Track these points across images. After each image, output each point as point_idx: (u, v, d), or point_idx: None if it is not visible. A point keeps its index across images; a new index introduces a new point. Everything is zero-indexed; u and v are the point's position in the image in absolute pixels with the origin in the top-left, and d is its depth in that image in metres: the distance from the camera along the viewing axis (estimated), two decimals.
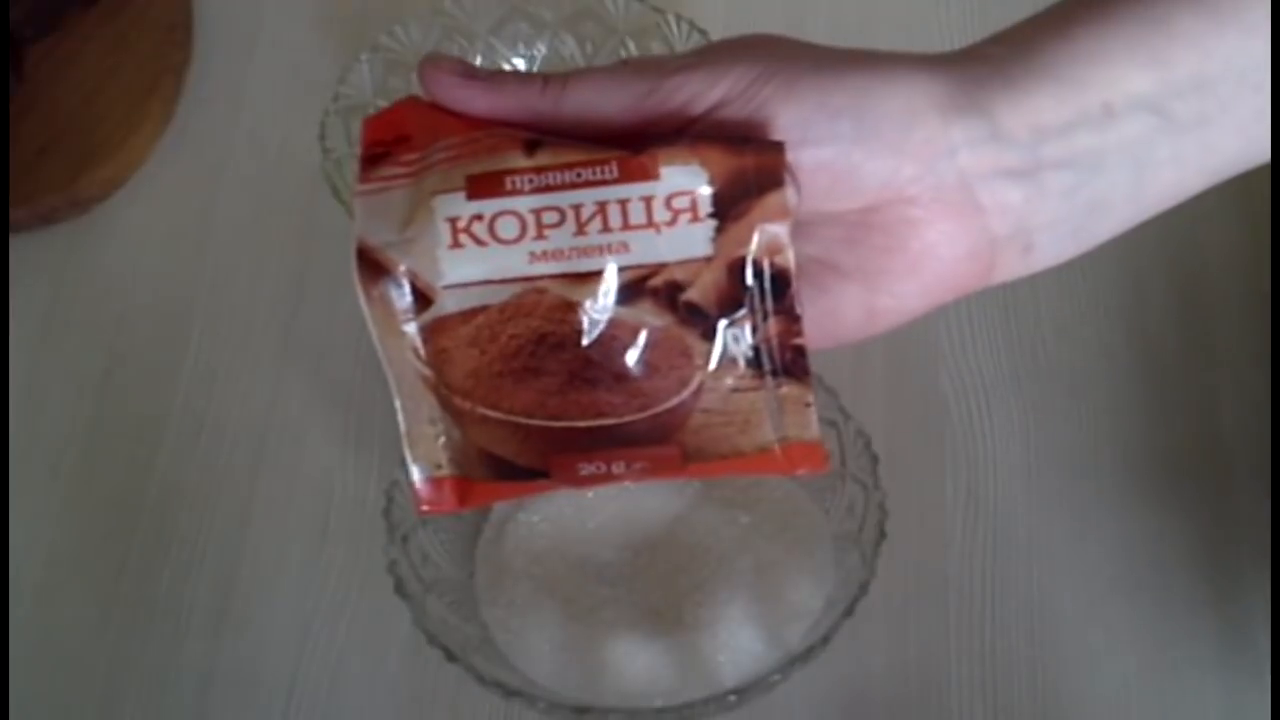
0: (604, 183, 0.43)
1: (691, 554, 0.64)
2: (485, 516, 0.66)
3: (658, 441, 0.46)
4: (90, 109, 0.80)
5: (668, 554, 0.65)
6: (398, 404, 0.46)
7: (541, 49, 0.79)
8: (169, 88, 0.82)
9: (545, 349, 0.45)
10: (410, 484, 0.47)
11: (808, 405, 0.46)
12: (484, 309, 0.44)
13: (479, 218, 0.43)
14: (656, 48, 0.77)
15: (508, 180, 0.43)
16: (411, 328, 0.45)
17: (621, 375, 0.45)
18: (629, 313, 0.44)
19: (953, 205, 0.45)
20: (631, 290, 0.44)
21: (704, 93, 0.44)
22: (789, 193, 0.43)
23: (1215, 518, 0.68)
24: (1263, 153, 0.46)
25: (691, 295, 0.44)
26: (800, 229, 0.45)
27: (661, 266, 0.44)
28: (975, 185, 0.45)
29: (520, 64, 0.79)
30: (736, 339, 0.45)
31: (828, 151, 0.44)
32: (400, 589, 0.59)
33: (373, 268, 0.45)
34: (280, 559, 0.68)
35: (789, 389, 0.45)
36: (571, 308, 0.44)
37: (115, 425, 0.72)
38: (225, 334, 0.75)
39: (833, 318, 0.47)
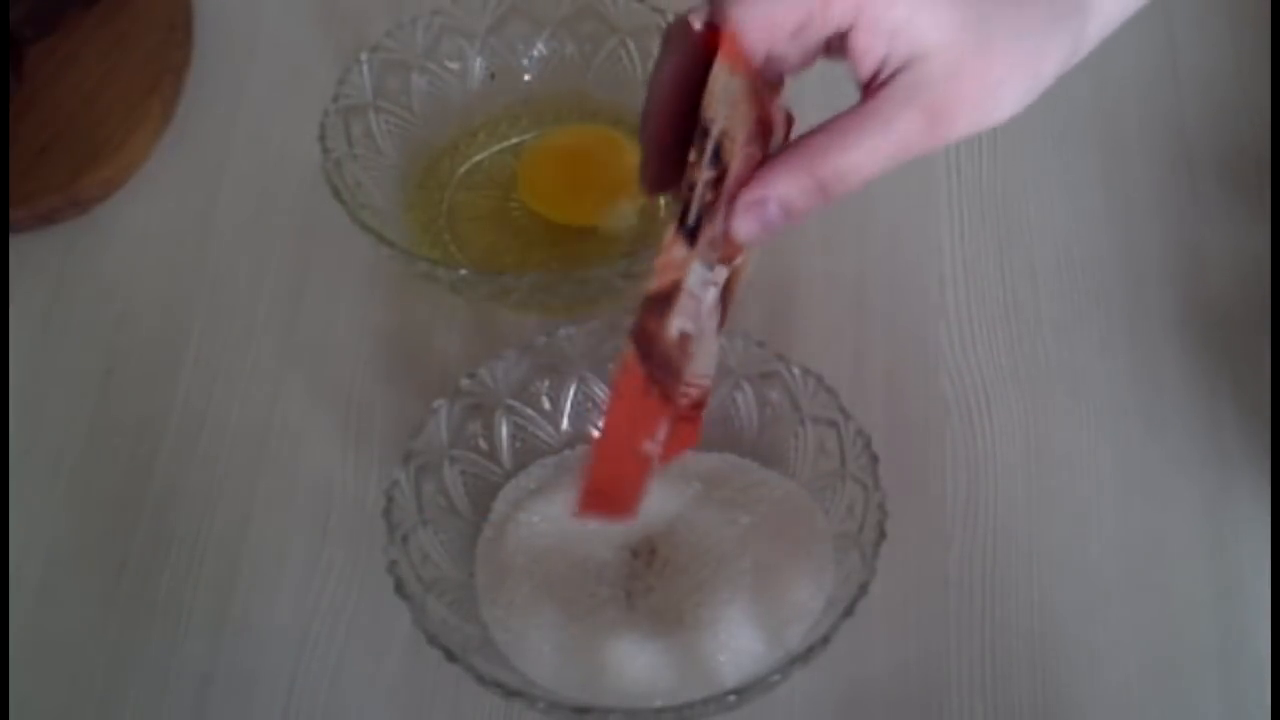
0: None
1: (692, 554, 0.64)
2: (485, 516, 0.66)
3: None
4: (90, 109, 0.81)
5: (668, 554, 0.65)
6: None
7: (541, 49, 0.79)
8: (169, 88, 0.82)
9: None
10: None
11: None
12: None
13: None
14: (656, 47, 0.77)
15: None
16: None
17: None
18: None
19: None
20: None
21: None
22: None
23: (1215, 518, 0.68)
24: None
25: None
26: None
27: None
28: None
29: (520, 64, 0.80)
30: None
31: None
32: (400, 589, 0.59)
33: None
34: (280, 559, 0.68)
35: None
36: None
37: (115, 425, 0.72)
38: (225, 334, 0.75)
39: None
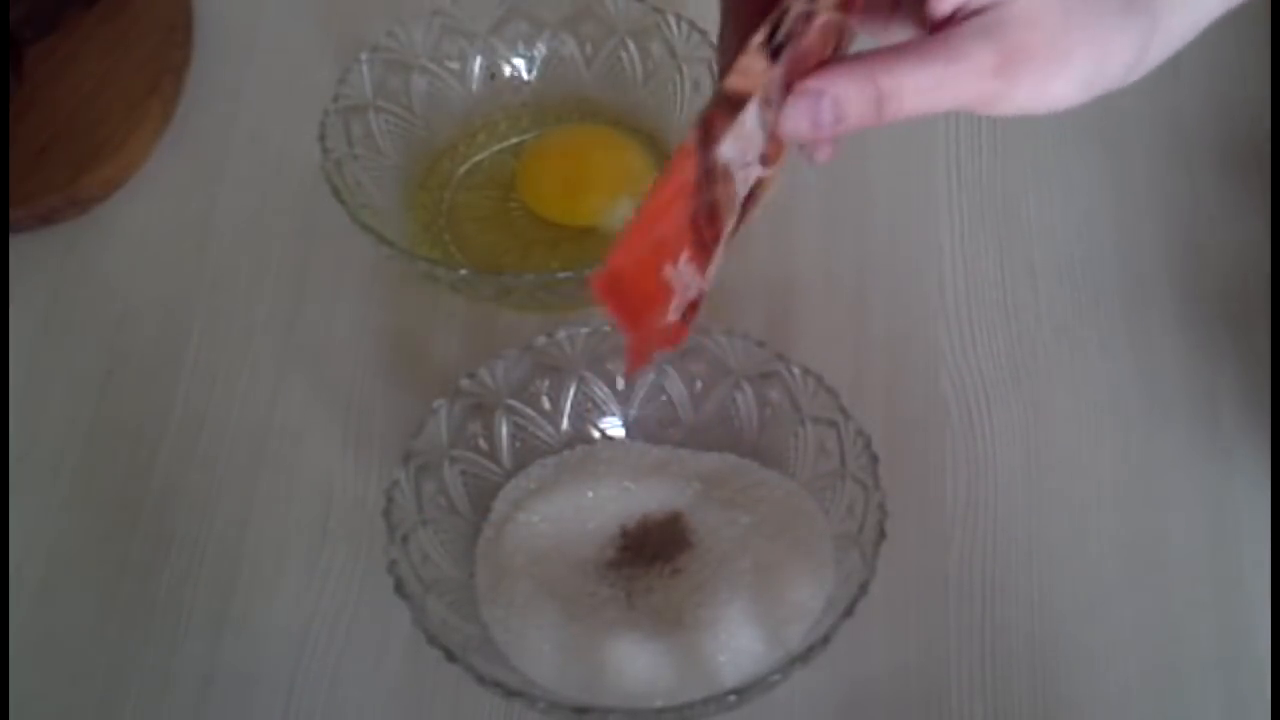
0: None
1: (692, 554, 0.64)
2: (485, 516, 0.66)
3: None
4: (90, 109, 0.81)
5: (668, 554, 0.65)
6: None
7: (541, 49, 0.79)
8: (169, 88, 0.82)
9: None
10: None
11: None
12: None
13: None
14: (656, 48, 0.77)
15: None
16: None
17: None
18: None
19: None
20: None
21: None
22: None
23: (1215, 517, 0.68)
24: None
25: None
26: None
27: None
28: None
29: (520, 64, 0.80)
30: None
31: None
32: (400, 589, 0.59)
33: None
34: (280, 559, 0.68)
35: None
36: None
37: (115, 425, 0.72)
38: (225, 334, 0.75)
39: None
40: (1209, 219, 0.76)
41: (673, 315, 0.50)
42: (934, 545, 0.67)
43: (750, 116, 0.48)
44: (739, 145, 0.48)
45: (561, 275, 0.69)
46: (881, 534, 0.59)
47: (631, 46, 0.78)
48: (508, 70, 0.80)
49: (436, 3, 0.77)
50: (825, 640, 0.57)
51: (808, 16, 0.48)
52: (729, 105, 0.48)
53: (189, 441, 0.71)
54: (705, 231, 0.49)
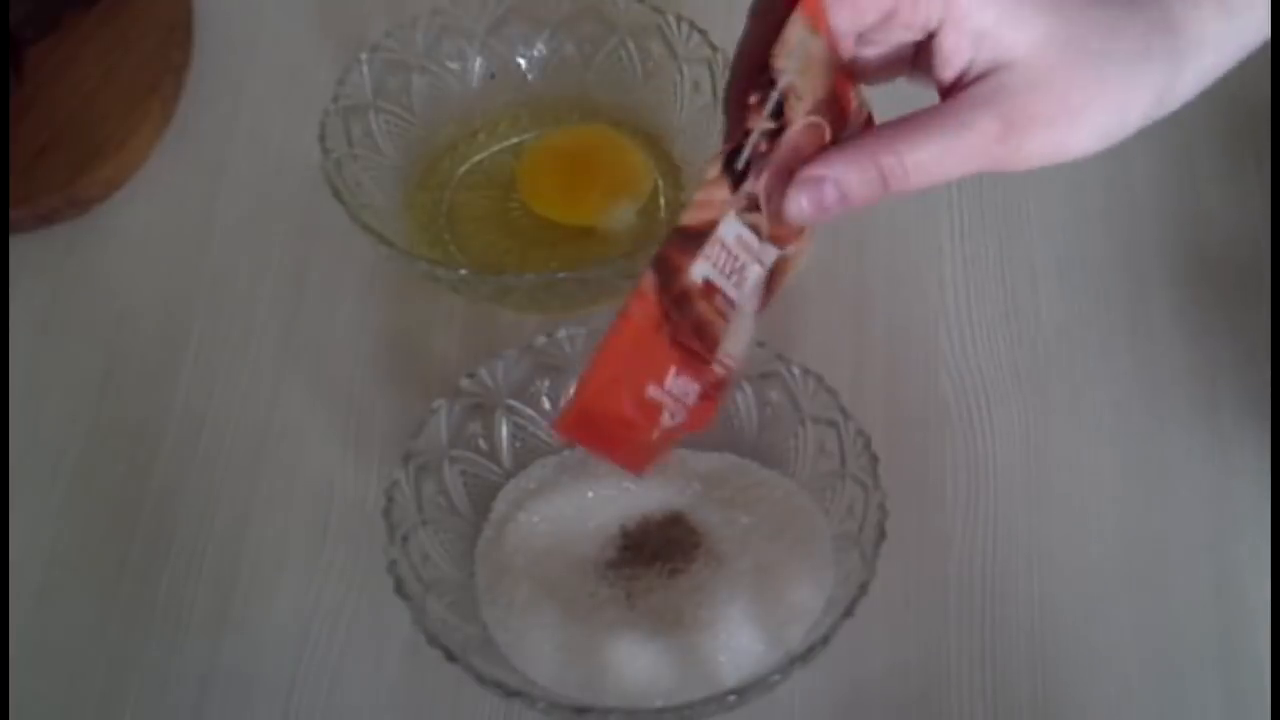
0: None
1: (692, 554, 0.64)
2: (485, 516, 0.66)
3: None
4: (90, 109, 0.81)
5: (667, 554, 0.65)
6: None
7: (541, 49, 0.80)
8: (169, 88, 0.82)
9: None
10: None
11: None
12: None
13: None
14: (656, 48, 0.77)
15: None
16: None
17: None
18: None
19: None
20: None
21: None
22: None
23: (1215, 517, 0.68)
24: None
25: None
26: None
27: None
28: None
29: (520, 64, 0.80)
30: None
31: None
32: (400, 589, 0.59)
33: None
34: (280, 559, 0.68)
35: None
36: None
37: (115, 425, 0.72)
38: (225, 334, 0.75)
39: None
40: (1209, 218, 0.76)
41: (674, 420, 0.51)
42: (934, 545, 0.67)
43: (727, 232, 0.48)
44: (718, 261, 0.49)
45: (561, 275, 0.69)
46: (881, 534, 0.60)
47: (631, 46, 0.78)
48: (508, 70, 0.80)
49: (436, 3, 0.77)
50: (825, 640, 0.57)
51: (775, 134, 0.48)
52: (686, 239, 0.48)
53: (189, 441, 0.71)
54: (696, 346, 0.50)
